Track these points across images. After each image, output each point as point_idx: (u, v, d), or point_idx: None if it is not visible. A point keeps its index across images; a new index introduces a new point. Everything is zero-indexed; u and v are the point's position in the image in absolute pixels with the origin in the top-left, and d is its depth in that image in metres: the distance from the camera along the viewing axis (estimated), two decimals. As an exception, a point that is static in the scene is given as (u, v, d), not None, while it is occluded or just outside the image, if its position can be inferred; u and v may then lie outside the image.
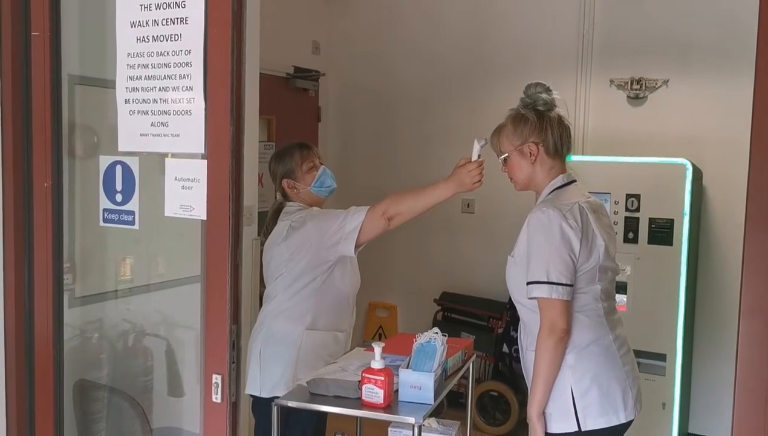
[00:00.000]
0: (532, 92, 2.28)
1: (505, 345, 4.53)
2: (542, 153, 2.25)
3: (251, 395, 2.63)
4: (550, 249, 2.10)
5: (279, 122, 4.73)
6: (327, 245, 2.51)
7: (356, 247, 2.51)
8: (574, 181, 2.30)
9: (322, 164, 2.70)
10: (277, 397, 2.36)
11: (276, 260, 2.60)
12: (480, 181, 2.45)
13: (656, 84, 4.28)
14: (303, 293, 2.57)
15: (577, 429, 2.13)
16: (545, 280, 2.09)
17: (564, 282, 2.08)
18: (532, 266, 2.13)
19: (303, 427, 2.53)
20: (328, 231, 2.50)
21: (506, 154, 2.28)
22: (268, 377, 2.57)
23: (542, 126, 2.24)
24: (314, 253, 2.53)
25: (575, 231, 2.11)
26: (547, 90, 2.28)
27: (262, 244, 2.75)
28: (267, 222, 2.73)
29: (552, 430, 2.16)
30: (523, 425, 4.24)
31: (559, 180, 2.26)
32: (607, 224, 2.29)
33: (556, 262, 2.09)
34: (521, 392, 4.39)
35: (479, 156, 2.44)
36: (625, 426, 2.20)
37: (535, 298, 2.12)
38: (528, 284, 2.13)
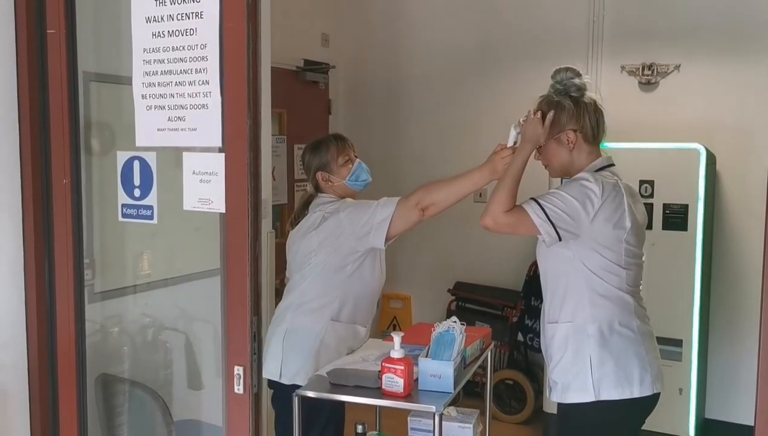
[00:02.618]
0: (563, 78, 2.25)
1: (519, 334, 4.53)
2: (580, 140, 2.24)
3: (271, 386, 2.63)
4: (563, 195, 2.14)
5: (290, 116, 4.73)
6: (357, 236, 2.49)
7: (387, 239, 2.49)
8: (613, 164, 2.30)
9: (356, 157, 2.68)
10: (298, 386, 2.37)
11: (304, 249, 2.58)
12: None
13: (668, 69, 4.26)
14: (330, 283, 2.54)
15: (594, 399, 2.16)
16: (539, 200, 2.13)
17: (550, 220, 2.11)
18: (545, 194, 2.17)
19: (324, 418, 2.54)
20: (360, 221, 2.48)
21: (543, 143, 2.26)
22: (288, 365, 2.57)
23: (579, 113, 2.23)
24: (344, 242, 2.51)
25: (597, 194, 2.12)
26: (578, 74, 2.26)
27: (279, 236, 2.75)
28: (296, 212, 2.71)
29: (569, 400, 2.21)
30: (539, 412, 4.26)
31: (599, 162, 2.26)
32: (642, 211, 2.30)
33: (561, 206, 2.12)
34: (537, 380, 4.40)
35: (515, 142, 2.38)
36: (643, 402, 2.21)
37: (519, 207, 2.16)
38: (531, 198, 2.17)
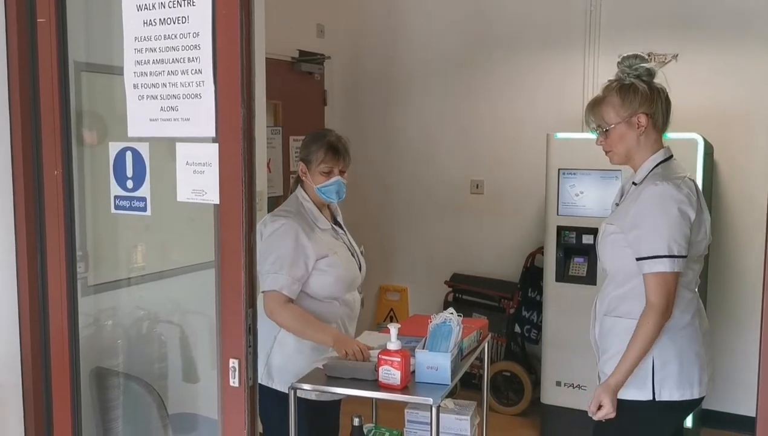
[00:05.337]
0: (632, 63, 2.22)
1: (517, 325, 4.53)
2: (650, 126, 2.21)
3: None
4: (669, 222, 2.08)
5: (285, 107, 4.71)
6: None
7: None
8: (672, 156, 2.26)
9: (340, 176, 2.60)
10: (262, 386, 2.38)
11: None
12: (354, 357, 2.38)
13: (665, 59, 4.22)
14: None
15: (651, 398, 2.13)
16: (667, 253, 2.06)
17: (683, 254, 2.08)
18: (646, 241, 2.09)
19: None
20: (260, 263, 2.47)
21: (612, 126, 2.21)
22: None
23: (653, 97, 2.20)
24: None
25: (691, 202, 2.09)
26: (646, 60, 2.23)
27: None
28: (291, 188, 2.74)
29: (625, 396, 2.15)
30: (536, 404, 4.25)
31: (661, 154, 2.23)
32: (705, 206, 2.26)
33: (677, 235, 2.07)
34: (534, 371, 4.40)
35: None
36: (697, 403, 2.20)
37: (651, 273, 2.08)
38: (643, 259, 2.09)
